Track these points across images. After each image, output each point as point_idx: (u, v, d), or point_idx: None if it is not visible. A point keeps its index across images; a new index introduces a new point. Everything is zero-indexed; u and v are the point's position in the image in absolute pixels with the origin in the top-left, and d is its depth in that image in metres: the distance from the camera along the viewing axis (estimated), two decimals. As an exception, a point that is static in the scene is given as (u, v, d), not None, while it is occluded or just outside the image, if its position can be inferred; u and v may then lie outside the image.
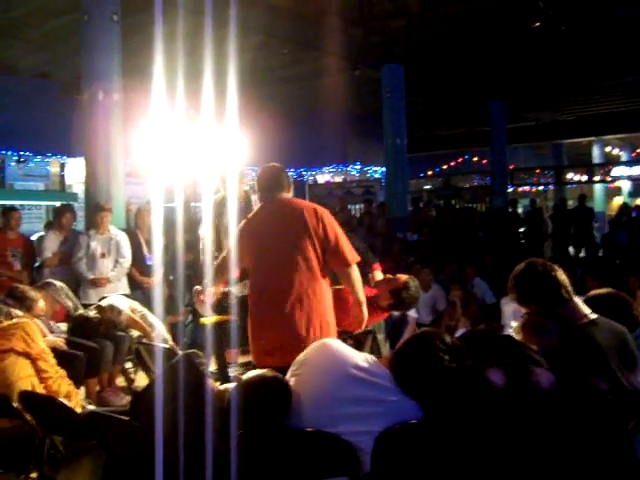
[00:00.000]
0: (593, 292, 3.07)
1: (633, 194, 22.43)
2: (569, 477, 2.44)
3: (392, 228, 10.81)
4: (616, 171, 18.82)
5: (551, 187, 19.78)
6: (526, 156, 21.09)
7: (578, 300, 2.77)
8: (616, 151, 22.76)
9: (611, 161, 21.00)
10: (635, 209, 16.36)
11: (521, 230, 13.57)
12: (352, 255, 3.52)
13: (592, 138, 19.68)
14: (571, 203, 16.91)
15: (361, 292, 3.56)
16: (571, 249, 12.86)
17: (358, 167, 16.79)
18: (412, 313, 6.62)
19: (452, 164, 19.67)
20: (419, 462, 2.34)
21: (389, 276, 4.21)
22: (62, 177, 13.28)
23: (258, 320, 3.61)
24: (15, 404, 3.17)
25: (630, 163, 19.98)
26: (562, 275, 2.74)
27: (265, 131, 13.32)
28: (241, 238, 3.68)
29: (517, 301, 2.83)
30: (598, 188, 22.19)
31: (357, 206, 14.64)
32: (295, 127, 14.96)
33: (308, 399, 2.40)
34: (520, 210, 15.59)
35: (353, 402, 2.36)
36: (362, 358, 2.48)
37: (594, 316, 2.70)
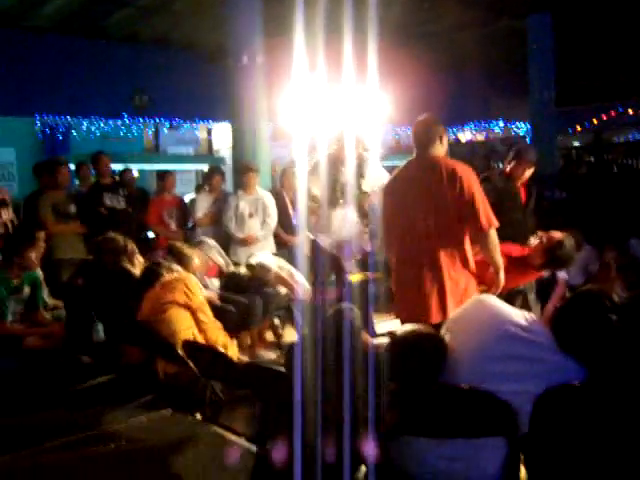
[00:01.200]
0: None
1: None
2: None
3: (540, 187, 10.30)
4: None
5: None
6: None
7: None
8: None
9: None
10: None
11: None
12: (488, 220, 3.39)
13: None
14: None
15: (497, 258, 3.43)
16: None
17: (501, 124, 16.09)
18: (562, 274, 6.33)
19: (604, 118, 18.29)
20: (580, 426, 2.24)
21: (543, 234, 4.05)
22: (210, 142, 13.89)
23: (397, 281, 3.61)
24: (179, 351, 3.41)
25: None
26: None
27: (405, 89, 13.09)
28: (383, 196, 3.69)
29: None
30: None
31: (502, 164, 14.05)
32: (436, 84, 14.57)
33: (464, 356, 2.37)
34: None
35: (511, 360, 2.30)
36: (521, 315, 2.40)
37: None
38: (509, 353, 2.31)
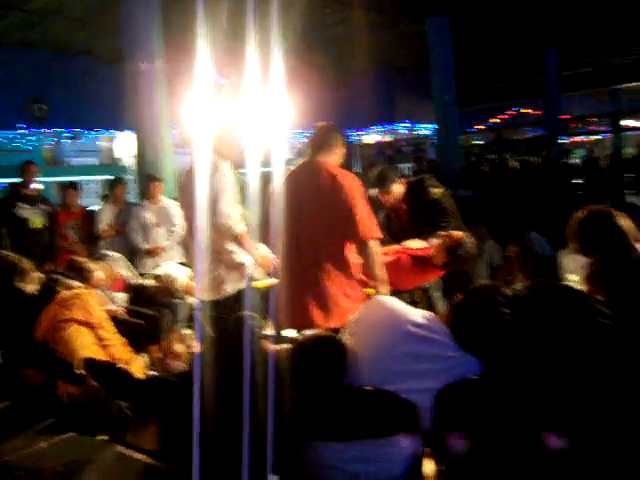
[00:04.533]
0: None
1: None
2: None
3: (444, 185, 10.60)
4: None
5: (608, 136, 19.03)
6: (582, 104, 20.30)
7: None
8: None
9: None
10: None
11: (578, 181, 13.16)
12: (368, 231, 3.39)
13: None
14: (632, 151, 16.25)
15: (377, 270, 3.41)
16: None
17: (407, 125, 16.46)
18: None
19: (504, 117, 19.08)
20: (480, 418, 2.30)
21: (443, 233, 4.14)
22: (112, 151, 13.51)
23: (281, 287, 3.54)
24: (79, 371, 3.26)
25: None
26: (626, 222, 2.61)
27: (310, 93, 13.17)
28: (273, 198, 3.68)
29: (580, 252, 2.72)
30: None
31: (408, 165, 14.41)
32: (340, 88, 14.76)
33: (365, 357, 2.38)
34: (577, 161, 15.10)
35: (411, 359, 2.33)
36: (419, 314, 2.44)
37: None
38: (409, 352, 2.34)
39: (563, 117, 16.47)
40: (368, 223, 3.46)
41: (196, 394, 1.93)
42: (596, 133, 18.68)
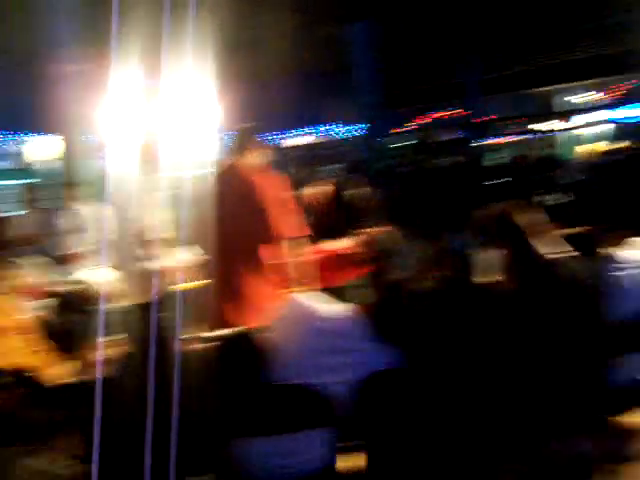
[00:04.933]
0: (557, 233, 3.11)
1: (612, 139, 22.40)
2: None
3: (369, 185, 10.79)
4: (578, 118, 18.94)
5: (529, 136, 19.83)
6: (505, 106, 21.03)
7: (543, 241, 2.80)
8: (581, 98, 22.70)
9: (578, 108, 21.01)
10: (606, 155, 16.45)
11: (499, 180, 13.64)
12: (288, 230, 3.49)
13: (567, 85, 19.66)
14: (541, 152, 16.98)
15: (298, 268, 3.53)
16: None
17: (334, 127, 16.63)
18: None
19: (429, 118, 19.53)
20: (398, 408, 2.39)
21: (365, 230, 4.24)
22: (27, 155, 13.05)
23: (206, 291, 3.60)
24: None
25: (593, 109, 20.09)
26: (526, 217, 2.77)
27: (235, 95, 13.12)
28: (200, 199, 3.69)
29: (489, 245, 2.86)
30: (566, 136, 22.20)
31: (336, 166, 14.56)
32: (266, 90, 14.77)
33: (284, 354, 2.42)
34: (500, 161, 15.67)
35: (328, 353, 2.40)
36: (336, 310, 2.51)
37: (558, 255, 2.75)
38: (326, 346, 2.41)
39: (484, 119, 17.06)
40: (287, 223, 3.52)
41: (98, 398, 1.94)
42: (516, 134, 19.40)
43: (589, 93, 21.22)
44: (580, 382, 2.69)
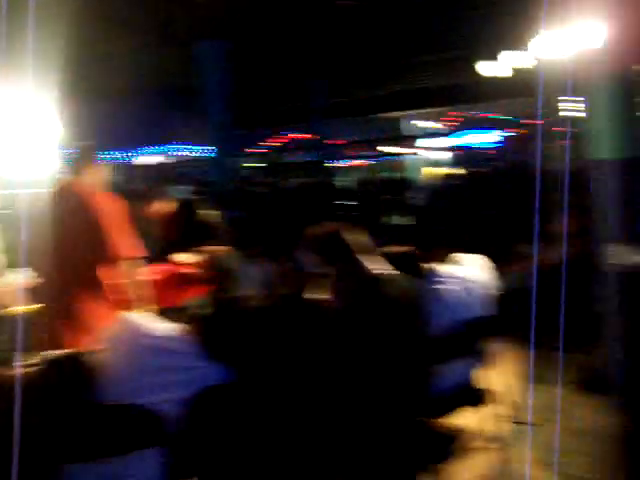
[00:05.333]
0: (385, 250, 3.33)
1: (448, 164, 24.09)
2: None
3: (218, 206, 10.79)
4: (421, 143, 20.27)
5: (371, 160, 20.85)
6: (347, 131, 21.93)
7: (371, 258, 2.99)
8: (426, 124, 24.31)
9: (422, 134, 22.45)
10: (447, 178, 17.69)
11: (345, 203, 14.16)
12: (125, 250, 3.49)
13: (404, 112, 20.90)
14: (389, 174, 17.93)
15: (136, 288, 3.54)
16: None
17: (184, 146, 16.51)
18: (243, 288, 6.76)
19: (278, 140, 19.94)
20: (227, 424, 2.44)
21: (206, 249, 4.27)
22: None
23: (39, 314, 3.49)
24: None
25: (435, 135, 21.58)
26: (354, 236, 2.95)
27: (84, 111, 12.67)
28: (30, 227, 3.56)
29: (317, 264, 3.00)
30: (412, 159, 23.61)
31: (186, 186, 14.41)
32: (118, 107, 14.39)
33: (113, 374, 2.40)
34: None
35: (157, 372, 2.40)
36: (166, 328, 2.52)
37: (385, 272, 2.95)
38: (156, 366, 2.41)
39: (329, 142, 17.70)
40: (124, 243, 3.50)
41: None
42: (358, 157, 20.37)
43: (430, 121, 22.77)
44: (405, 390, 2.90)
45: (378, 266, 2.94)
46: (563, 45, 5.93)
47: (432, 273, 3.34)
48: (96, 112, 12.98)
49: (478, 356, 3.79)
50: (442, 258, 3.82)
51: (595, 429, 3.80)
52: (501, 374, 4.46)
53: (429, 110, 21.21)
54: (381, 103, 19.24)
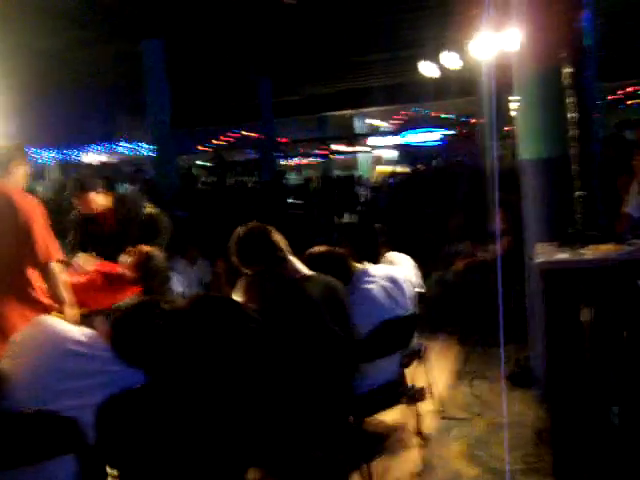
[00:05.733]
0: (311, 250, 3.35)
1: (395, 162, 24.40)
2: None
3: (160, 206, 10.63)
4: (371, 141, 20.40)
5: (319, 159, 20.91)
6: (297, 129, 21.93)
7: (294, 259, 3.00)
8: (377, 122, 24.56)
9: (370, 132, 22.65)
10: (392, 176, 17.89)
11: (291, 201, 14.16)
12: (45, 252, 3.38)
13: (352, 111, 21.02)
14: (340, 172, 18.00)
15: (59, 291, 3.44)
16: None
17: (128, 144, 16.22)
18: (180, 288, 6.68)
19: (226, 138, 19.79)
20: (143, 427, 2.41)
21: (132, 249, 4.21)
22: None
23: None
24: None
25: (385, 133, 21.77)
26: (277, 236, 2.95)
27: (20, 107, 12.33)
28: None
29: (239, 265, 2.99)
30: (363, 157, 23.82)
31: (127, 185, 14.19)
32: (56, 103, 14.03)
33: (24, 379, 2.34)
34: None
35: (71, 377, 2.34)
36: (80, 332, 2.47)
37: (309, 272, 2.96)
38: (69, 370, 2.35)
39: (278, 140, 17.66)
40: (48, 245, 3.41)
41: None
42: (308, 156, 20.39)
43: (378, 119, 22.99)
44: (329, 390, 2.91)
45: (299, 267, 2.95)
46: (496, 47, 6.09)
47: (363, 273, 3.36)
48: (38, 108, 12.65)
49: (406, 353, 3.86)
50: (378, 257, 3.87)
51: (520, 422, 3.89)
52: (431, 370, 4.55)
53: (378, 109, 21.43)
54: (329, 101, 19.30)
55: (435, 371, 5.02)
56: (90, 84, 13.73)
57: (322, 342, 2.84)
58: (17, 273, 3.38)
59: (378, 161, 25.32)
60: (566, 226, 3.75)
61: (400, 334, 3.35)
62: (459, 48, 11.26)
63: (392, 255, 3.93)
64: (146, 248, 4.05)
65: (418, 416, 3.84)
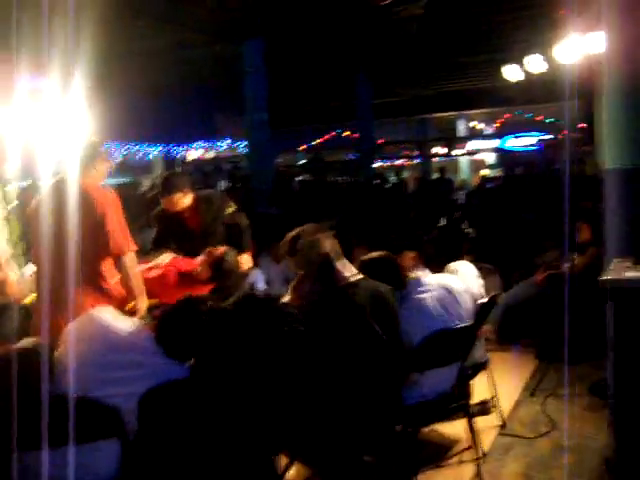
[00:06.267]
0: (366, 256, 3.32)
1: (495, 166, 23.74)
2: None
3: (255, 203, 10.88)
4: (473, 144, 19.88)
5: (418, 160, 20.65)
6: (397, 131, 21.78)
7: (346, 265, 2.99)
8: (481, 125, 23.98)
9: (473, 135, 22.13)
10: (491, 180, 17.40)
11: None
12: (120, 245, 3.53)
13: (453, 113, 20.61)
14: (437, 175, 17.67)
15: (133, 283, 3.59)
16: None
17: (228, 142, 16.70)
18: (261, 285, 6.79)
19: (325, 139, 19.94)
20: (184, 419, 2.49)
21: (210, 249, 4.33)
22: None
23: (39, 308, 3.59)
24: None
25: (485, 137, 21.16)
26: (329, 242, 2.96)
27: (128, 106, 13.01)
28: (31, 220, 3.69)
29: (292, 265, 3.03)
30: (464, 161, 23.33)
31: (225, 181, 14.64)
32: (160, 102, 14.68)
33: (74, 366, 2.48)
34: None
35: (117, 367, 2.47)
36: (128, 325, 2.58)
37: (357, 278, 2.94)
38: (116, 360, 2.48)
39: (377, 142, 17.58)
40: (121, 237, 3.57)
41: None
42: (405, 157, 20.18)
43: (479, 122, 22.44)
44: (377, 401, 2.89)
45: (349, 272, 2.94)
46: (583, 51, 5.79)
47: (417, 282, 3.30)
48: (139, 108, 13.29)
49: (469, 365, 3.75)
50: (438, 266, 3.79)
51: (589, 446, 3.69)
52: (501, 385, 4.40)
53: (480, 111, 20.93)
54: (425, 103, 19.01)
55: (506, 386, 4.87)
56: (193, 84, 14.25)
57: (368, 348, 2.82)
58: (92, 265, 3.57)
59: (480, 165, 24.74)
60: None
61: (455, 345, 3.26)
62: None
63: (455, 264, 3.84)
64: (222, 249, 4.15)
65: (478, 431, 3.74)
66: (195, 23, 10.97)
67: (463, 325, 3.25)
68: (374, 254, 3.32)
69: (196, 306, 2.56)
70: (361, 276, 2.98)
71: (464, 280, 3.61)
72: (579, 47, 6.62)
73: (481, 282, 3.88)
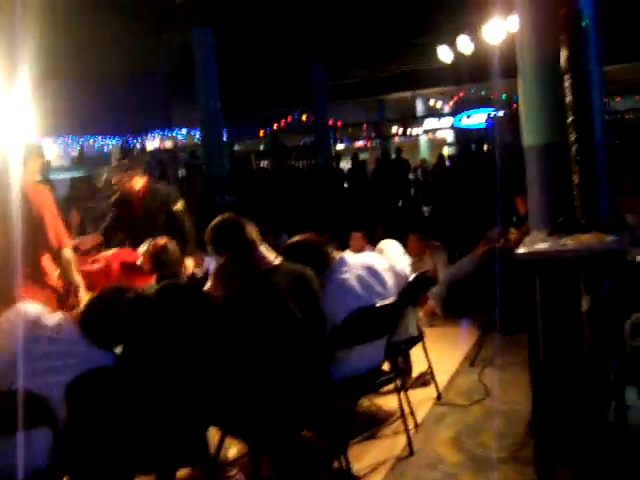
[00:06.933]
0: (290, 240, 3.44)
1: (454, 144, 23.93)
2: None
3: (212, 191, 10.94)
4: (429, 123, 20.07)
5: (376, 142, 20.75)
6: (353, 113, 21.81)
7: (266, 250, 3.09)
8: (439, 104, 24.13)
9: (429, 115, 22.28)
10: (449, 159, 17.64)
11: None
12: (58, 239, 3.65)
13: (407, 93, 20.72)
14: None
15: (71, 276, 3.72)
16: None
17: (184, 131, 16.65)
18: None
19: (281, 124, 19.90)
20: (112, 404, 2.60)
21: (150, 240, 4.40)
22: None
23: None
24: None
25: (440, 115, 21.35)
26: (249, 228, 3.06)
27: (82, 98, 12.90)
28: None
29: (212, 252, 3.13)
30: (423, 140, 23.52)
31: (181, 172, 14.63)
32: (114, 93, 14.56)
33: (2, 359, 2.56)
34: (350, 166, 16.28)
35: (42, 358, 2.56)
36: (52, 317, 2.67)
37: (278, 262, 3.05)
38: (40, 352, 2.56)
39: (332, 124, 17.62)
40: (58, 232, 3.66)
41: None
42: (363, 139, 20.27)
43: (436, 101, 22.61)
44: (303, 378, 3.01)
45: (271, 257, 3.05)
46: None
47: (340, 262, 3.42)
48: (93, 100, 13.19)
49: (401, 340, 3.91)
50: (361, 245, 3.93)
51: (519, 411, 3.87)
52: (438, 356, 4.58)
53: (436, 90, 21.06)
54: (377, 84, 19.07)
55: (449, 357, 5.06)
56: (146, 74, 14.15)
57: (288, 329, 2.93)
58: (32, 260, 3.64)
59: (441, 143, 24.96)
60: (565, 215, 3.68)
61: (378, 322, 3.40)
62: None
63: (382, 244, 3.98)
64: (162, 240, 4.22)
65: (415, 402, 3.90)
66: (141, 12, 10.92)
67: (385, 302, 3.39)
68: (297, 237, 3.43)
69: (118, 295, 2.66)
70: (282, 260, 3.09)
71: (390, 259, 3.75)
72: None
73: (408, 260, 4.03)
